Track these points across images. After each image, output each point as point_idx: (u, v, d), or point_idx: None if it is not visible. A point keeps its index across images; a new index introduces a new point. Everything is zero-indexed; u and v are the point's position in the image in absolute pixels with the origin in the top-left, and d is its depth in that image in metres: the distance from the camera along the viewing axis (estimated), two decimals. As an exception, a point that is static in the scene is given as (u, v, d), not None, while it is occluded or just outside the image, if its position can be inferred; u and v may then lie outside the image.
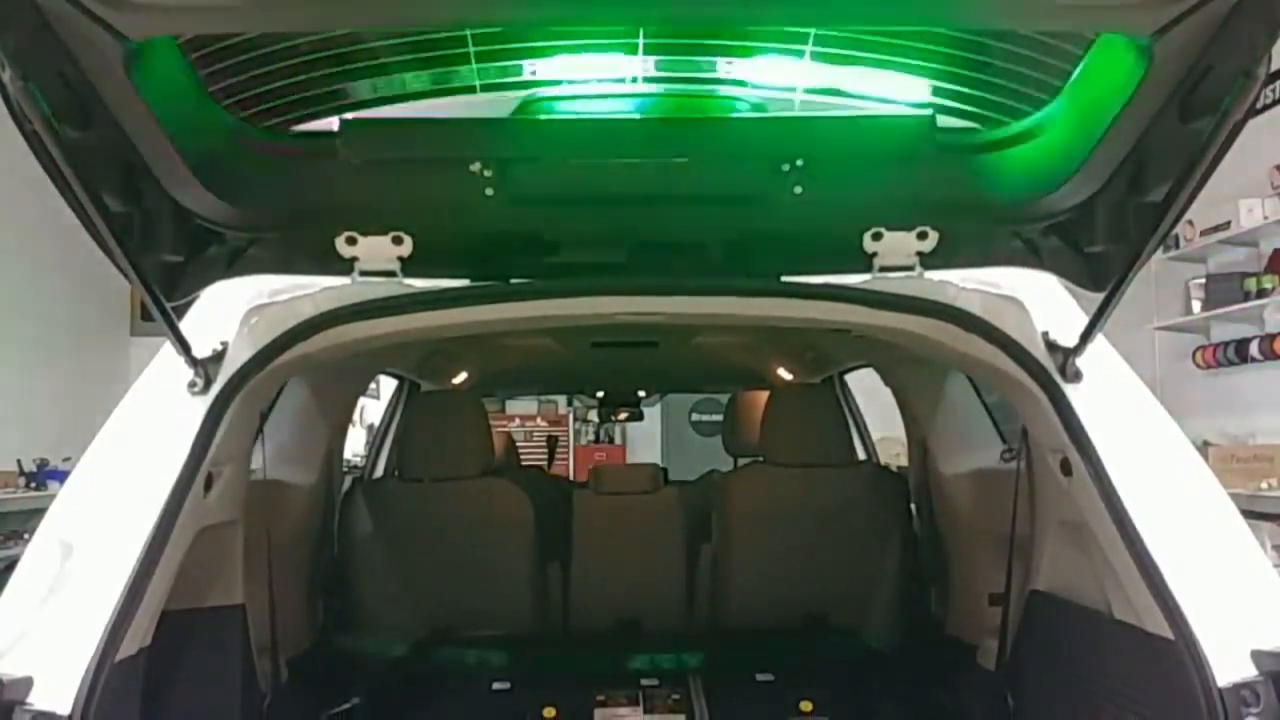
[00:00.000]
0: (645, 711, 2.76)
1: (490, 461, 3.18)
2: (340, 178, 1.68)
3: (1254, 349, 5.71)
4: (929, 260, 1.78)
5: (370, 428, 6.02)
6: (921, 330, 1.89)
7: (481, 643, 3.06)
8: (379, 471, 4.22)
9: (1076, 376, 1.79)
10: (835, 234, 1.79)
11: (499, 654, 3.01)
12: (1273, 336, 5.62)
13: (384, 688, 2.84)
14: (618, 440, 11.68)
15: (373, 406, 6.65)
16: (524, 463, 5.64)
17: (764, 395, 3.62)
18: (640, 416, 6.57)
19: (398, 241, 1.73)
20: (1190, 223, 5.90)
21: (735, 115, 2.06)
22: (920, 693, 2.76)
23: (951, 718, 2.61)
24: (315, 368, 2.44)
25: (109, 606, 1.52)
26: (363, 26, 1.63)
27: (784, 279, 1.84)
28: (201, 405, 1.75)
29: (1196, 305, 6.07)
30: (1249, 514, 2.69)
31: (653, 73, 1.86)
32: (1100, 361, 1.82)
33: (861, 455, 4.13)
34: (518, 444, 5.58)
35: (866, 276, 1.80)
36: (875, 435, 4.48)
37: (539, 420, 11.27)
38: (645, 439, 11.26)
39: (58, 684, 1.43)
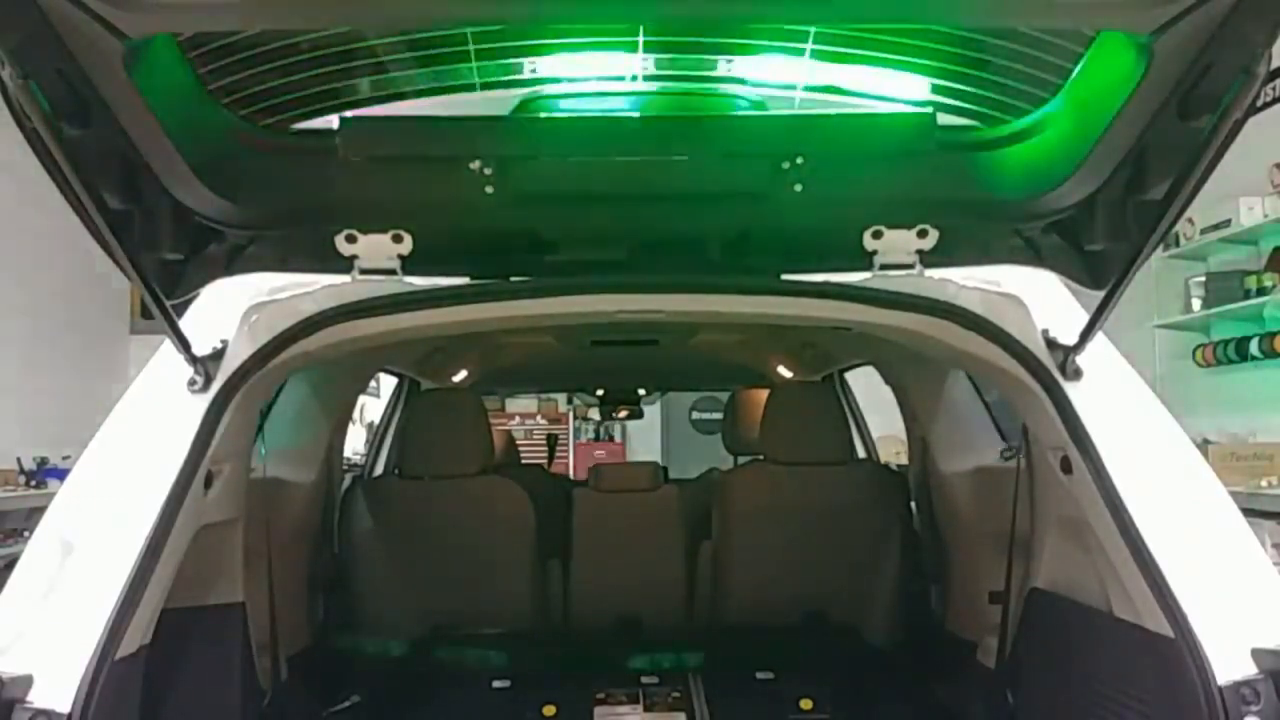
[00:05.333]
0: (645, 709, 2.76)
1: (490, 459, 3.19)
2: (340, 176, 1.68)
3: (1254, 347, 5.70)
4: (929, 258, 1.78)
5: (370, 426, 6.02)
6: (922, 328, 1.89)
7: (482, 641, 3.06)
8: (379, 469, 4.22)
9: (1077, 374, 1.79)
10: (835, 231, 1.79)
11: (499, 652, 3.01)
12: (1273, 335, 5.61)
13: (384, 686, 2.84)
14: (618, 438, 11.68)
15: (372, 404, 6.65)
16: (524, 461, 5.64)
17: (764, 393, 3.63)
18: (640, 414, 6.56)
19: (397, 239, 1.72)
20: (1190, 221, 5.89)
21: (735, 113, 2.05)
22: (920, 690, 2.77)
23: (951, 715, 2.61)
24: (315, 366, 2.44)
25: (109, 604, 1.52)
26: (362, 24, 1.62)
27: (784, 277, 1.84)
28: (201, 403, 1.75)
29: (1197, 303, 6.06)
30: (1249, 512, 2.68)
31: (653, 70, 1.86)
32: (1100, 359, 1.82)
33: (861, 453, 4.14)
34: (518, 442, 5.58)
35: (867, 274, 1.80)
36: (875, 433, 4.48)
37: (539, 418, 11.27)
38: (645, 437, 11.26)
39: (58, 682, 1.43)
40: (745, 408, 4.45)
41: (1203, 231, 5.90)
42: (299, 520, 2.75)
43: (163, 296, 1.64)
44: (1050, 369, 1.79)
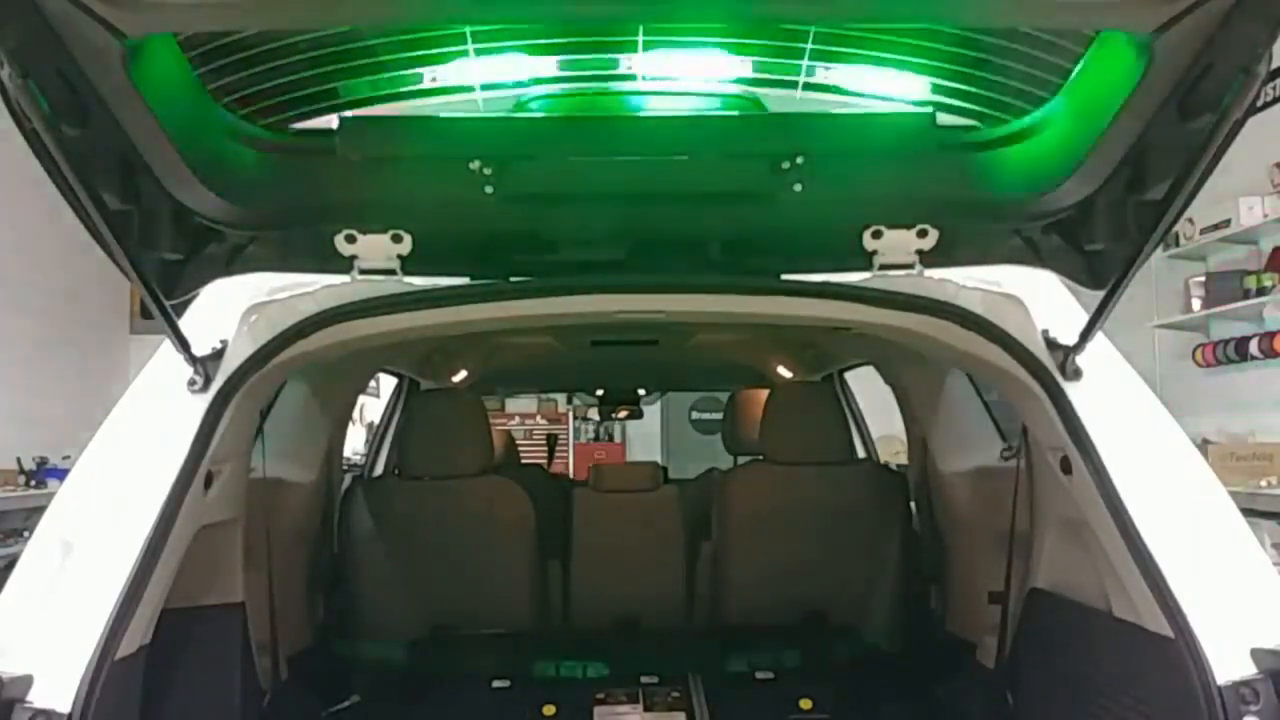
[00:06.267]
0: (645, 709, 2.76)
1: (490, 460, 3.18)
2: (339, 176, 1.68)
3: (1254, 347, 5.70)
4: (929, 258, 1.78)
5: (370, 426, 6.02)
6: (921, 328, 1.89)
7: (481, 641, 3.06)
8: (379, 470, 4.22)
9: (1076, 374, 1.79)
10: (835, 232, 1.79)
11: (499, 652, 3.01)
12: (1272, 334, 5.61)
13: (384, 686, 2.84)
14: (617, 438, 11.68)
15: (372, 404, 6.65)
16: (524, 461, 5.64)
17: (764, 393, 3.63)
18: (640, 415, 6.57)
19: (397, 239, 1.72)
20: (1190, 220, 5.89)
21: (735, 113, 2.05)
22: (920, 691, 2.77)
23: (951, 716, 2.61)
24: (315, 366, 2.44)
25: (109, 604, 1.52)
26: (361, 23, 1.62)
27: (784, 277, 1.84)
28: (201, 403, 1.75)
29: (1196, 303, 6.06)
30: (1248, 512, 2.69)
31: (653, 70, 1.86)
32: (1100, 359, 1.82)
33: (861, 453, 4.13)
34: (517, 442, 5.58)
35: (866, 274, 1.80)
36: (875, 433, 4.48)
37: (539, 418, 11.27)
38: (645, 437, 11.26)
39: (58, 682, 1.43)
40: (745, 408, 4.45)
41: (1203, 231, 5.89)
42: (299, 520, 2.75)
43: (162, 296, 1.64)
44: (1050, 369, 1.79)
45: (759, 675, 2.91)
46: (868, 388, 4.09)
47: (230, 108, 1.66)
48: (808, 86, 1.88)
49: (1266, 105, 5.43)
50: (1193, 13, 1.25)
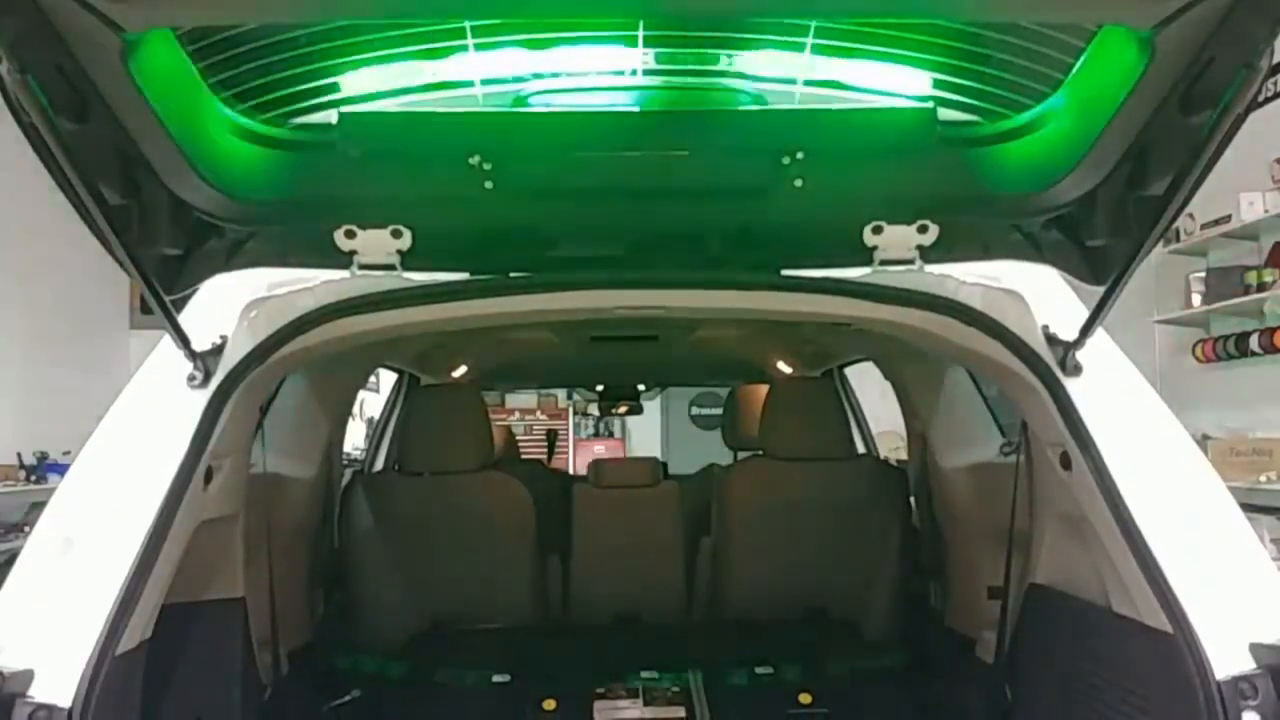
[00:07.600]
0: (645, 704, 2.76)
1: (490, 455, 3.19)
2: (339, 171, 1.68)
3: (1254, 343, 5.70)
4: (929, 254, 1.78)
5: (370, 421, 6.02)
6: (922, 324, 1.89)
7: (482, 636, 3.07)
8: (379, 465, 4.23)
9: (1077, 370, 1.79)
10: (836, 227, 1.79)
11: (499, 647, 3.02)
12: (1273, 330, 5.60)
13: (384, 680, 2.84)
14: (617, 434, 11.69)
15: (372, 400, 6.65)
16: (524, 456, 5.65)
17: (764, 389, 3.63)
18: (640, 410, 6.57)
19: (397, 235, 1.72)
20: (1191, 216, 5.88)
21: (735, 108, 2.05)
22: (919, 685, 2.77)
23: (950, 710, 2.61)
24: (315, 361, 2.44)
25: (109, 600, 1.52)
26: (360, 18, 1.62)
27: (784, 272, 1.84)
28: (201, 398, 1.75)
29: (1197, 299, 6.05)
30: (1248, 507, 2.68)
31: (653, 65, 1.85)
32: (1100, 355, 1.82)
33: (861, 449, 4.14)
34: (517, 437, 5.59)
35: (867, 270, 1.80)
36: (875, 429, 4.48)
37: (539, 414, 11.28)
38: (645, 433, 11.27)
39: (59, 677, 1.44)
40: (745, 403, 4.46)
41: (1203, 226, 5.89)
42: (299, 515, 2.75)
43: (162, 292, 1.64)
44: (1050, 365, 1.79)
45: (758, 670, 2.91)
46: (866, 385, 4.09)
47: (229, 102, 1.65)
48: (809, 81, 1.87)
49: (1267, 100, 5.42)
50: (1194, 8, 1.25)
